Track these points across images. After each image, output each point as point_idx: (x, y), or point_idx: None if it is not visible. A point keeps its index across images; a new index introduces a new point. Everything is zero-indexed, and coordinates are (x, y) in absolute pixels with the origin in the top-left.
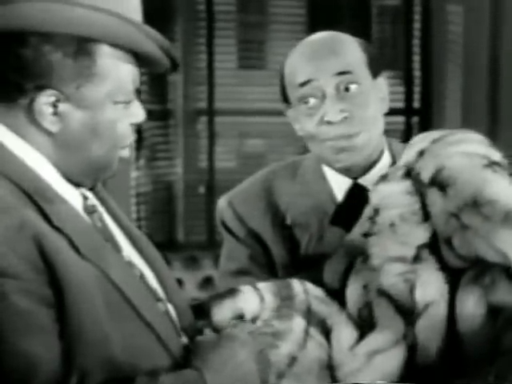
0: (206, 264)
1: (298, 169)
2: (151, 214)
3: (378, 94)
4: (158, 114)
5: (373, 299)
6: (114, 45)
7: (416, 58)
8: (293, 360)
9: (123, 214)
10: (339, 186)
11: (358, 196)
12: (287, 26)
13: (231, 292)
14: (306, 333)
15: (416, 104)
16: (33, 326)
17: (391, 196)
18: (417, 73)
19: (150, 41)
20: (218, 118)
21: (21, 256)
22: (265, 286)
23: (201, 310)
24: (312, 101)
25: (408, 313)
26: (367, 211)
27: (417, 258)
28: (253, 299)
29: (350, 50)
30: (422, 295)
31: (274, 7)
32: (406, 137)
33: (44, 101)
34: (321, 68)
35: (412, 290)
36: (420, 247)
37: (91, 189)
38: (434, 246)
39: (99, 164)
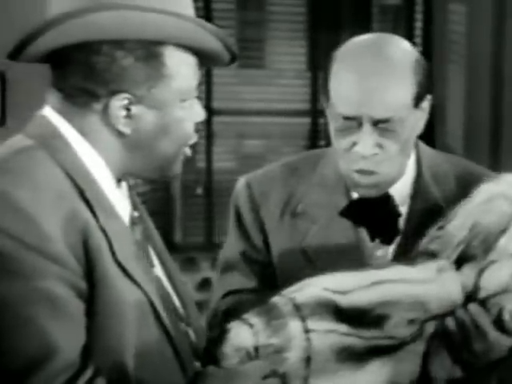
0: (203, 266)
1: (321, 159)
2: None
3: (415, 123)
4: None
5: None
6: (179, 45)
7: None
8: (307, 361)
9: (155, 230)
10: None
11: (375, 198)
12: (287, 25)
13: (224, 333)
14: (306, 330)
15: None
16: (62, 312)
17: None
18: None
19: (214, 38)
20: (217, 118)
21: (68, 244)
22: (249, 314)
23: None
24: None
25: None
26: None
27: None
28: (244, 331)
29: (400, 83)
30: None
31: (273, 5)
32: None
33: (118, 104)
34: (364, 107)
35: None
36: None
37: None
38: None
39: (165, 162)
